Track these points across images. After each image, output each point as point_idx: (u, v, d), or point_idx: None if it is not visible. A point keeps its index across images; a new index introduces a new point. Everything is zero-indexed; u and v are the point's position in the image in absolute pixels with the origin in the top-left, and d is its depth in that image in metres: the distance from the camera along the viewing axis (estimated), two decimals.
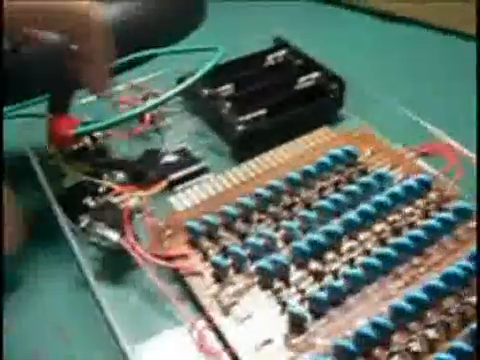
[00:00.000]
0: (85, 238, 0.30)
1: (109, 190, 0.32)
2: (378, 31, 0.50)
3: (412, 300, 0.26)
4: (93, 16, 0.32)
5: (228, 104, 0.37)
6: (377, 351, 0.25)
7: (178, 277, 0.29)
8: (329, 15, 0.53)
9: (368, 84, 0.38)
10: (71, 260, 0.30)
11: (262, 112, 0.36)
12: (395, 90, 0.39)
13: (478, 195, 0.30)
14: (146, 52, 0.39)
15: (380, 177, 0.32)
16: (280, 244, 0.29)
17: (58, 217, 0.31)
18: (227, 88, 0.38)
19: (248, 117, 0.36)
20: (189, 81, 0.33)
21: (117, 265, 0.30)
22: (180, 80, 0.40)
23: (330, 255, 0.28)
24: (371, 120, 0.38)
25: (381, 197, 0.30)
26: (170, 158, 0.35)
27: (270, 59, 0.41)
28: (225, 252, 0.29)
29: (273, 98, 0.37)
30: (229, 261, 0.28)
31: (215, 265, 0.28)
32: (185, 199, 0.32)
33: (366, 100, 0.38)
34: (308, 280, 0.28)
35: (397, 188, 0.31)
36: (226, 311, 0.27)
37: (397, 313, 0.26)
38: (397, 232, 0.30)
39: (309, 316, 0.26)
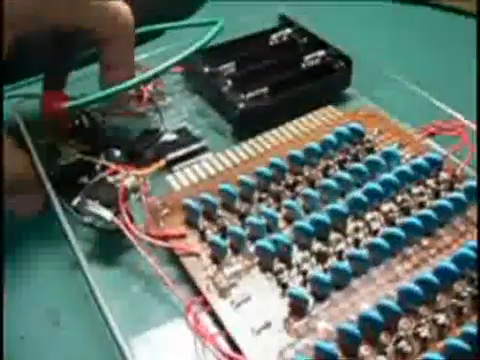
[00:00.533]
0: (79, 218, 0.29)
1: (105, 169, 0.31)
2: (388, 10, 0.48)
3: (421, 283, 0.24)
4: (123, 17, 0.31)
5: (229, 82, 0.35)
6: (383, 336, 0.23)
7: (174, 258, 0.27)
8: None
9: (377, 63, 0.37)
10: (64, 240, 0.29)
11: (264, 90, 0.35)
12: (405, 70, 0.37)
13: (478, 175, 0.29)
14: (141, 29, 0.37)
15: (388, 155, 0.30)
16: (282, 224, 0.28)
17: (50, 195, 0.30)
18: (229, 66, 0.37)
19: (250, 95, 0.34)
20: (185, 52, 0.31)
21: (111, 246, 0.29)
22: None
23: (334, 235, 0.27)
24: (379, 100, 0.36)
25: (389, 176, 0.29)
26: (169, 137, 0.34)
27: (274, 38, 0.40)
28: (224, 232, 0.27)
29: (276, 77, 0.36)
30: (227, 241, 0.27)
31: (213, 245, 0.27)
32: (183, 178, 0.31)
33: (375, 79, 0.37)
34: (311, 261, 0.26)
35: (406, 167, 0.29)
36: (223, 293, 0.25)
37: (405, 296, 0.24)
38: (406, 212, 0.28)
39: (311, 299, 0.25)
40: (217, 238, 0.27)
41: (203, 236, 0.27)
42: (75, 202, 0.29)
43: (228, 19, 0.38)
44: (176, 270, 0.27)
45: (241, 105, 0.33)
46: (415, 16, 0.47)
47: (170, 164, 0.32)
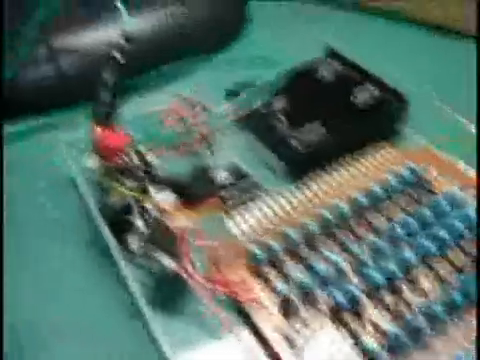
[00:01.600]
0: (135, 261, 0.29)
1: (158, 209, 0.30)
2: (433, 44, 0.47)
3: None
4: None
5: (282, 118, 0.34)
6: None
7: (237, 306, 0.27)
8: (376, 26, 0.50)
9: (426, 99, 0.36)
10: (118, 284, 0.28)
11: (319, 128, 0.34)
12: (457, 105, 0.37)
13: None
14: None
15: (451, 199, 0.29)
16: (349, 272, 0.27)
17: (107, 238, 0.30)
18: (279, 100, 0.36)
19: (305, 133, 0.33)
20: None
21: (171, 292, 0.28)
22: (229, 92, 0.38)
23: (405, 286, 0.26)
24: (432, 137, 0.35)
25: (455, 222, 0.28)
26: (220, 175, 0.33)
27: (323, 71, 0.39)
28: (289, 280, 0.27)
29: (329, 113, 0.35)
30: (295, 290, 0.26)
31: (280, 294, 0.26)
32: (241, 220, 0.30)
33: (425, 115, 0.36)
34: (382, 313, 0.25)
35: (471, 211, 0.29)
36: (292, 344, 0.24)
37: None
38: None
39: (385, 354, 0.24)
40: (284, 287, 0.26)
41: (268, 284, 0.27)
42: (135, 247, 0.28)
43: (267, 48, 0.38)
44: (240, 318, 0.27)
45: (296, 144, 0.33)
46: (468, 50, 0.45)
47: (223, 203, 0.32)
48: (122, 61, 0.34)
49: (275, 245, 0.28)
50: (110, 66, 0.34)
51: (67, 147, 0.35)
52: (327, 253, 0.27)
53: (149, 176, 0.32)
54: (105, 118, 0.33)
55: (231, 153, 0.35)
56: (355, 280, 0.27)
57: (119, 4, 0.36)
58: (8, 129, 0.39)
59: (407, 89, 0.36)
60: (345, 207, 0.29)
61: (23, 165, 0.37)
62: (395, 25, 0.50)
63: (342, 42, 0.42)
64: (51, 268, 0.30)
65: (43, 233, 0.32)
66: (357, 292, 0.25)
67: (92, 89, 0.34)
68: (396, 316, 0.25)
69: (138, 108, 0.38)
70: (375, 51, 0.44)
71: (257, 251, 0.27)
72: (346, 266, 0.27)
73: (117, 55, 0.35)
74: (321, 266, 0.27)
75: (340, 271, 0.27)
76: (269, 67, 0.42)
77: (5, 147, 0.38)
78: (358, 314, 0.25)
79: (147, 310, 0.26)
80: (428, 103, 0.37)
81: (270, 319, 0.26)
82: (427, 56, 0.46)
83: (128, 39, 0.35)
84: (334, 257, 0.27)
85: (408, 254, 0.27)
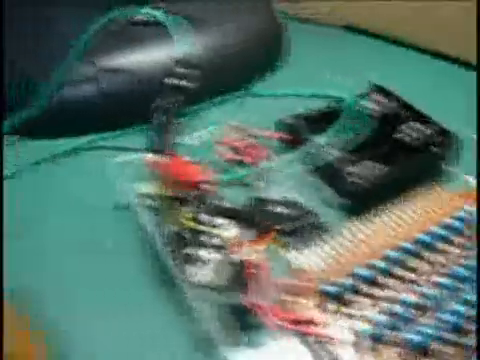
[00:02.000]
0: (200, 294, 0.29)
1: (221, 241, 0.30)
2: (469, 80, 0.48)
3: None
4: None
5: (336, 153, 0.35)
6: None
7: (308, 340, 0.27)
8: (411, 57, 0.52)
9: (467, 136, 0.37)
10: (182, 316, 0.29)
11: (372, 164, 0.35)
12: None
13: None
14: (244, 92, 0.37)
15: None
16: (420, 313, 0.28)
17: (171, 269, 0.30)
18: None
19: (362, 169, 0.34)
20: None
21: (239, 325, 0.28)
22: (279, 123, 0.39)
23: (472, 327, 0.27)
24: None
25: None
26: (279, 208, 0.34)
27: (369, 105, 0.40)
28: (363, 318, 0.27)
29: (381, 149, 0.36)
30: (370, 329, 0.27)
31: (356, 333, 0.27)
32: (305, 256, 0.30)
33: (467, 153, 0.37)
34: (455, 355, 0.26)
35: None
36: None
37: None
38: None
39: None
40: (362, 326, 0.27)
41: (338, 320, 0.27)
42: (203, 280, 0.29)
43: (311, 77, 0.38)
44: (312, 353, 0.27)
45: (356, 180, 0.33)
46: None
47: (284, 236, 0.32)
48: (183, 85, 0.35)
49: (346, 283, 0.28)
50: (167, 92, 0.35)
51: (119, 169, 0.35)
52: (395, 293, 0.28)
53: (208, 206, 0.33)
54: (163, 145, 0.34)
55: (286, 184, 0.36)
56: (427, 321, 0.27)
57: (170, 26, 0.36)
58: (62, 146, 0.40)
59: (448, 126, 0.37)
60: (410, 247, 0.30)
61: (72, 184, 0.37)
62: (435, 61, 0.51)
63: (382, 73, 0.43)
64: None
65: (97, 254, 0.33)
66: (431, 332, 0.26)
67: (141, 111, 0.34)
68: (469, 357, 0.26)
69: (188, 135, 0.38)
70: (413, 85, 0.45)
71: (329, 289, 0.28)
72: (417, 306, 0.28)
73: (173, 81, 0.35)
74: (395, 307, 0.27)
75: (411, 312, 0.27)
76: (313, 96, 0.43)
77: (56, 163, 0.39)
78: (429, 354, 0.26)
79: (224, 344, 0.27)
80: (470, 141, 0.38)
81: (343, 356, 0.26)
82: (464, 92, 0.47)
83: (185, 64, 0.35)
84: (404, 298, 0.28)
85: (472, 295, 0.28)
